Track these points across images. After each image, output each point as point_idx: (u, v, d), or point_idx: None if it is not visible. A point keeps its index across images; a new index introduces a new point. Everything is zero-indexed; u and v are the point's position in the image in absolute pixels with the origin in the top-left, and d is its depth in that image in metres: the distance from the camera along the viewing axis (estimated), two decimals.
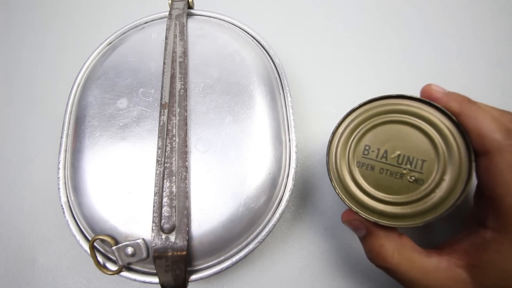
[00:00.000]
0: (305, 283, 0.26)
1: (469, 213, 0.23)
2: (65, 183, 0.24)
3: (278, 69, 0.28)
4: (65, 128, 0.25)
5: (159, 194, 0.21)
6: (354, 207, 0.20)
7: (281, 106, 0.26)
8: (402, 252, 0.19)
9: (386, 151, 0.20)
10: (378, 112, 0.21)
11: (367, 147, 0.21)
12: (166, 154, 0.22)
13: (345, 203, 0.20)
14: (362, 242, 0.22)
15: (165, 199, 0.21)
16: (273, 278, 0.26)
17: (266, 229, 0.23)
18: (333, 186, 0.21)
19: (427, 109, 0.20)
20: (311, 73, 0.34)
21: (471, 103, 0.19)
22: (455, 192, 0.18)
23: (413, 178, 0.19)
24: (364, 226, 0.21)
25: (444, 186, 0.18)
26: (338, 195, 0.21)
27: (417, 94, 0.22)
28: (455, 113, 0.19)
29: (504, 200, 0.17)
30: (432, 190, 0.19)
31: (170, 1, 0.29)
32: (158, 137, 0.22)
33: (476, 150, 0.18)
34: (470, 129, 0.18)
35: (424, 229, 0.27)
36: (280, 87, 0.27)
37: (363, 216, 0.20)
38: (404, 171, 0.19)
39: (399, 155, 0.20)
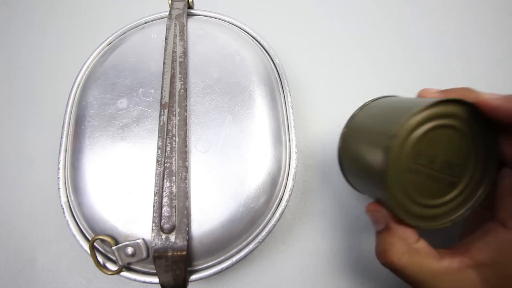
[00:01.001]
0: (305, 283, 0.26)
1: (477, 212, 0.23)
2: (65, 183, 0.24)
3: (278, 69, 0.28)
4: (65, 128, 0.25)
5: (159, 194, 0.21)
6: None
7: (281, 106, 0.26)
8: (413, 256, 0.19)
9: (433, 157, 0.19)
10: (428, 117, 0.19)
11: (420, 153, 0.19)
12: (166, 154, 0.22)
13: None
14: (376, 236, 0.21)
15: (165, 199, 0.21)
16: (273, 278, 0.26)
17: (266, 229, 0.23)
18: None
19: (457, 108, 0.19)
20: (311, 73, 0.34)
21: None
22: (480, 192, 0.20)
23: (449, 181, 0.19)
24: (385, 221, 0.20)
25: (473, 187, 0.20)
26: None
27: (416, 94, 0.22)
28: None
29: None
30: (462, 191, 0.20)
31: (170, 1, 0.29)
32: (158, 137, 0.22)
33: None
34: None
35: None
36: (280, 87, 0.27)
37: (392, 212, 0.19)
38: (443, 176, 0.19)
39: (442, 160, 0.19)
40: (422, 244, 0.20)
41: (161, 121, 0.23)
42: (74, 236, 0.22)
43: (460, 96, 0.19)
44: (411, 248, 0.19)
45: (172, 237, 0.20)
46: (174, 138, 0.22)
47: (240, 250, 0.22)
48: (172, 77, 0.24)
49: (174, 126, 0.23)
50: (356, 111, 0.24)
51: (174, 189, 0.21)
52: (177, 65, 0.25)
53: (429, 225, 0.20)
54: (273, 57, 0.28)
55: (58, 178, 0.24)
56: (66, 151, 0.24)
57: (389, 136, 0.18)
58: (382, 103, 0.22)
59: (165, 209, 0.20)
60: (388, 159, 0.18)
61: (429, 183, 0.19)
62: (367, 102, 0.24)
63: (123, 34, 0.28)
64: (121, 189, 0.22)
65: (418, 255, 0.19)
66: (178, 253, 0.20)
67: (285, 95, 0.27)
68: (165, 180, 0.21)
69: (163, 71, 0.25)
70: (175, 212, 0.20)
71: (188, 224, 0.20)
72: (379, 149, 0.19)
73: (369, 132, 0.21)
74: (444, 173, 0.19)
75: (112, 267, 0.22)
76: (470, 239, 0.20)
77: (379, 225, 0.21)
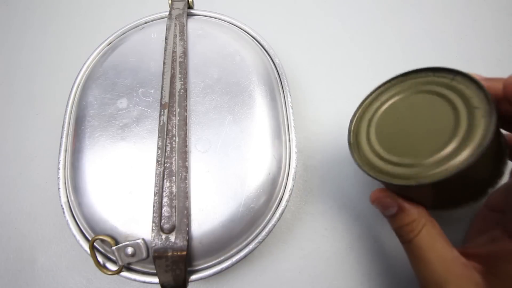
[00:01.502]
0: (305, 283, 0.26)
1: (483, 217, 0.23)
2: (65, 183, 0.24)
3: (278, 69, 0.28)
4: (65, 128, 0.25)
5: (159, 194, 0.21)
6: (372, 174, 0.20)
7: (281, 106, 0.26)
8: (430, 230, 0.19)
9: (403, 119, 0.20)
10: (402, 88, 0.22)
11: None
12: (166, 154, 0.22)
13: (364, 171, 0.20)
14: (391, 220, 0.21)
15: (165, 199, 0.21)
16: (273, 278, 0.26)
17: (266, 229, 0.23)
18: (353, 157, 0.21)
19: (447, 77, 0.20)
20: (311, 73, 0.34)
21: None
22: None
23: (436, 130, 0.19)
24: (396, 204, 0.20)
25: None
26: (359, 167, 0.20)
27: None
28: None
29: None
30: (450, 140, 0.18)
31: (170, 1, 0.29)
32: (158, 137, 0.22)
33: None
34: None
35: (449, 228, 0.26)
36: (280, 87, 0.27)
37: (382, 180, 0.19)
38: (428, 128, 0.19)
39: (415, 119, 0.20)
40: (436, 222, 0.20)
41: (161, 121, 0.23)
42: (74, 236, 0.22)
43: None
44: (429, 221, 0.19)
45: (172, 237, 0.20)
46: (174, 138, 0.22)
47: (240, 250, 0.22)
48: (172, 77, 0.24)
49: (174, 126, 0.23)
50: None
51: (174, 189, 0.21)
52: (177, 65, 0.25)
53: (383, 177, 0.19)
54: (273, 57, 0.28)
55: (58, 178, 0.24)
56: (66, 151, 0.24)
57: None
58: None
59: (165, 209, 0.20)
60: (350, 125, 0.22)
61: (395, 140, 0.20)
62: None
63: (123, 34, 0.28)
64: (121, 189, 0.22)
65: (434, 229, 0.19)
66: (178, 253, 0.20)
67: (285, 95, 0.27)
68: (165, 180, 0.21)
69: (163, 71, 0.25)
70: (175, 212, 0.20)
71: (188, 224, 0.20)
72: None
73: None
74: (417, 128, 0.19)
75: (112, 267, 0.22)
76: (477, 245, 0.20)
77: (390, 209, 0.20)
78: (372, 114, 0.22)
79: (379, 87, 0.23)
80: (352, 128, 0.22)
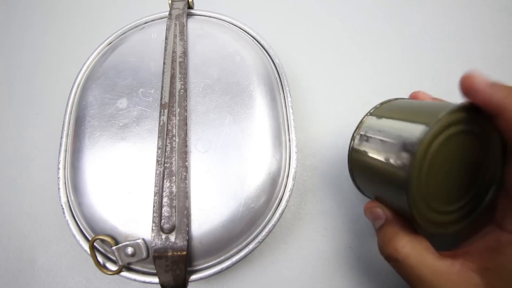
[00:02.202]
0: (305, 283, 0.26)
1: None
2: (65, 183, 0.24)
3: (278, 69, 0.28)
4: (65, 128, 0.25)
5: (159, 194, 0.21)
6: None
7: (281, 106, 0.26)
8: (415, 246, 0.19)
9: (450, 163, 0.19)
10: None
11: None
12: (166, 154, 0.22)
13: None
14: (377, 232, 0.21)
15: (165, 199, 0.21)
16: (273, 278, 0.26)
17: (266, 229, 0.23)
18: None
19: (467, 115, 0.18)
20: (311, 73, 0.34)
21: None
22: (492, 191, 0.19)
23: (463, 185, 0.19)
24: (384, 215, 0.20)
25: (484, 187, 0.19)
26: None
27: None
28: (497, 107, 0.17)
29: None
30: (476, 194, 0.19)
31: (170, 1, 0.29)
32: (158, 137, 0.22)
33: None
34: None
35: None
36: (280, 87, 0.27)
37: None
38: (458, 180, 0.19)
39: (458, 165, 0.19)
40: (422, 237, 0.19)
41: (161, 121, 0.23)
42: (74, 236, 0.22)
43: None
44: (413, 236, 0.19)
45: (172, 237, 0.20)
46: (174, 138, 0.22)
47: (240, 250, 0.22)
48: (172, 77, 0.24)
49: (174, 126, 0.23)
50: (367, 114, 0.23)
51: (174, 189, 0.21)
52: (177, 65, 0.25)
53: (445, 231, 0.19)
54: (273, 57, 0.28)
55: (58, 178, 0.24)
56: (66, 151, 0.24)
57: (411, 142, 0.17)
58: (396, 105, 0.22)
59: (165, 209, 0.20)
60: (411, 166, 0.17)
61: (445, 189, 0.19)
62: (377, 105, 0.23)
63: (123, 34, 0.28)
64: (121, 189, 0.22)
65: (420, 245, 0.19)
66: (178, 253, 0.20)
67: (285, 95, 0.27)
68: (165, 180, 0.21)
69: (163, 71, 0.25)
70: (175, 212, 0.20)
71: (188, 224, 0.20)
72: (401, 157, 0.18)
73: (388, 138, 0.20)
74: (462, 175, 0.19)
75: (112, 267, 0.22)
76: (469, 242, 0.20)
77: (379, 221, 0.21)
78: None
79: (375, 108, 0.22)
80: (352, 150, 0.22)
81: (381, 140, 0.20)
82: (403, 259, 0.18)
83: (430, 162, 0.17)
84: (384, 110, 0.22)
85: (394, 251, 0.19)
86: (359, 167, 0.22)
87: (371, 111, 0.23)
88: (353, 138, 0.22)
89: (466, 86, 0.18)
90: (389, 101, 0.23)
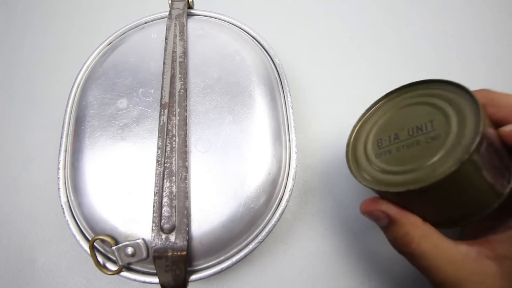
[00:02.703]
0: (305, 283, 0.26)
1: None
2: (65, 183, 0.24)
3: (278, 69, 0.28)
4: (65, 128, 0.25)
5: (159, 194, 0.21)
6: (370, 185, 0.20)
7: (281, 106, 0.26)
8: (429, 239, 0.18)
9: (396, 134, 0.21)
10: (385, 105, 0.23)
11: (379, 140, 0.22)
12: (166, 154, 0.22)
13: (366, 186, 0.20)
14: (384, 231, 0.21)
15: (165, 199, 0.21)
16: (273, 278, 0.26)
17: (266, 229, 0.23)
18: (353, 174, 0.22)
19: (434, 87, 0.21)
20: (311, 73, 0.34)
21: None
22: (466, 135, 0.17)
23: (429, 138, 0.19)
24: (386, 215, 0.20)
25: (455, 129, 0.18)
26: (356, 179, 0.21)
27: None
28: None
29: None
30: (446, 136, 0.18)
31: (170, 1, 0.29)
32: (158, 137, 0.22)
33: None
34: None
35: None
36: (280, 87, 0.27)
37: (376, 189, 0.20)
38: (419, 138, 0.19)
39: (408, 129, 0.20)
40: (430, 226, 0.19)
41: (161, 121, 0.23)
42: (74, 236, 0.22)
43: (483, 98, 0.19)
44: (423, 230, 0.19)
45: (172, 237, 0.20)
46: (174, 138, 0.22)
47: (240, 250, 0.22)
48: (172, 77, 0.24)
49: (174, 126, 0.23)
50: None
51: (174, 189, 0.21)
52: (177, 65, 0.25)
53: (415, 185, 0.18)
54: (273, 57, 0.28)
55: (58, 178, 0.24)
56: (66, 151, 0.24)
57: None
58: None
59: (165, 209, 0.20)
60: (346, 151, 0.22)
61: (408, 151, 0.19)
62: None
63: (123, 34, 0.28)
64: (121, 189, 0.22)
65: (433, 236, 0.19)
66: (178, 253, 0.20)
67: (285, 95, 0.27)
68: (165, 180, 0.21)
69: (163, 71, 0.25)
70: (175, 212, 0.20)
71: (188, 224, 0.20)
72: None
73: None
74: (414, 136, 0.20)
75: (112, 267, 0.22)
76: (490, 232, 0.19)
77: (382, 221, 0.20)
78: (370, 128, 0.23)
79: (377, 102, 0.24)
80: (350, 141, 0.23)
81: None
82: (417, 253, 0.18)
83: (372, 133, 0.22)
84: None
85: (407, 247, 0.19)
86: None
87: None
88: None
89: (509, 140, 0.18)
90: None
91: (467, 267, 0.18)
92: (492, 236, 0.19)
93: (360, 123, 0.24)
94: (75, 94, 0.26)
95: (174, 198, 0.21)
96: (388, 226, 0.20)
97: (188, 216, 0.20)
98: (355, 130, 0.23)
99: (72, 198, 0.23)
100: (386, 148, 0.21)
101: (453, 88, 0.20)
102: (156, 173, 0.21)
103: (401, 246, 0.19)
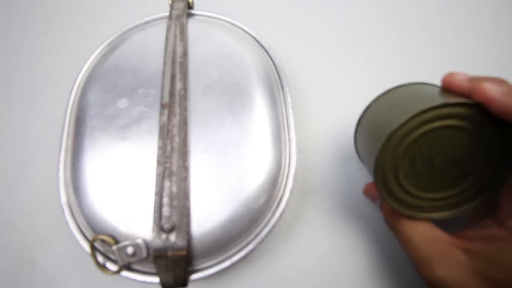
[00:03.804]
0: (305, 283, 0.26)
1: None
2: (65, 183, 0.24)
3: (278, 69, 0.28)
4: (65, 128, 0.25)
5: (159, 194, 0.21)
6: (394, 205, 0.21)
7: (281, 106, 0.26)
8: (409, 220, 0.21)
9: (431, 158, 0.20)
10: (421, 122, 0.19)
11: (412, 159, 0.20)
12: (166, 154, 0.22)
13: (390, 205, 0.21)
14: (380, 209, 0.24)
15: (165, 199, 0.21)
16: (273, 278, 0.26)
17: (266, 229, 0.23)
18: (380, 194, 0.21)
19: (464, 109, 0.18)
20: (311, 73, 0.34)
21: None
22: (493, 182, 0.20)
23: (458, 174, 0.20)
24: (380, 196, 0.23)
25: (486, 180, 0.20)
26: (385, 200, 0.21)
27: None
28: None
29: None
30: (476, 181, 0.20)
31: (170, 2, 0.29)
32: (158, 137, 0.22)
33: None
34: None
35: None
36: (280, 87, 0.27)
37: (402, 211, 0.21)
38: (448, 171, 0.20)
39: (445, 158, 0.20)
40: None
41: (161, 121, 0.23)
42: (74, 236, 0.22)
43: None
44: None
45: (172, 237, 0.20)
46: (174, 138, 0.22)
47: (240, 250, 0.22)
48: (172, 77, 0.24)
49: (174, 126, 0.23)
50: (383, 92, 0.24)
51: (174, 189, 0.21)
52: (177, 65, 0.25)
53: (439, 215, 0.21)
54: (273, 57, 0.28)
55: (58, 178, 0.24)
56: (66, 151, 0.24)
57: (381, 137, 0.19)
58: (403, 91, 0.23)
59: (165, 209, 0.20)
60: (376, 161, 0.19)
61: (431, 181, 0.20)
62: (391, 88, 0.24)
63: (123, 34, 0.28)
64: (121, 189, 0.22)
65: (413, 220, 0.21)
66: (178, 253, 0.20)
67: (285, 95, 0.27)
68: (165, 180, 0.21)
69: (163, 71, 0.25)
70: (175, 212, 0.20)
71: (188, 224, 0.20)
72: (374, 148, 0.20)
73: (377, 124, 0.22)
74: (449, 168, 0.20)
75: (112, 267, 0.22)
76: (467, 229, 0.21)
77: (377, 200, 0.24)
78: (402, 139, 0.19)
79: (418, 114, 0.19)
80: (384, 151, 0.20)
81: (374, 125, 0.22)
82: (399, 226, 0.21)
83: (405, 148, 0.19)
84: (392, 94, 0.23)
85: (392, 220, 0.22)
86: (360, 138, 0.24)
87: (385, 91, 0.24)
88: (368, 107, 0.24)
89: (481, 98, 0.18)
90: (406, 84, 0.24)
91: (438, 248, 0.19)
92: (468, 232, 0.20)
93: (401, 131, 0.19)
94: (75, 94, 0.26)
95: (174, 198, 0.21)
96: (381, 204, 0.23)
97: (188, 216, 0.21)
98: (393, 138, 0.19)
99: (72, 198, 0.23)
100: (418, 171, 0.20)
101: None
102: (156, 173, 0.21)
103: (389, 220, 0.22)
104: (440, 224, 0.21)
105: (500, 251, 0.18)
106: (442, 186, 0.20)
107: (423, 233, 0.20)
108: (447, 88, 0.20)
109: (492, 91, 0.17)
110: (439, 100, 0.18)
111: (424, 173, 0.20)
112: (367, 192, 0.26)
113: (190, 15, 0.29)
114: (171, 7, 0.28)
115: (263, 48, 0.29)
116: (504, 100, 0.17)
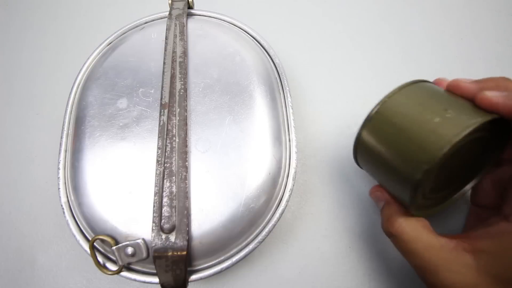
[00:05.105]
0: (305, 283, 0.26)
1: (472, 211, 0.25)
2: (65, 183, 0.24)
3: (278, 69, 0.28)
4: (65, 128, 0.25)
5: (159, 194, 0.21)
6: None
7: (281, 106, 0.26)
8: (410, 224, 0.20)
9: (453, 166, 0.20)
10: None
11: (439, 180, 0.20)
12: (166, 154, 0.22)
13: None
14: (380, 213, 0.23)
15: (165, 199, 0.21)
16: (273, 278, 0.26)
17: (266, 229, 0.23)
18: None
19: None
20: (311, 73, 0.34)
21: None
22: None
23: (467, 174, 0.23)
24: (384, 198, 0.23)
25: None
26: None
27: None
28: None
29: None
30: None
31: (170, 1, 0.29)
32: (158, 137, 0.22)
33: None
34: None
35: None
36: (280, 87, 0.27)
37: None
38: (460, 174, 0.22)
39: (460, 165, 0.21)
40: (421, 219, 0.21)
41: (161, 121, 0.23)
42: (74, 236, 0.22)
43: (497, 86, 0.19)
44: (407, 216, 0.21)
45: (172, 237, 0.20)
46: (174, 138, 0.22)
47: (240, 250, 0.22)
48: (172, 77, 0.24)
49: (174, 126, 0.23)
50: (385, 97, 0.21)
51: (174, 189, 0.21)
52: (177, 65, 0.25)
53: (427, 212, 0.22)
54: (273, 57, 0.28)
55: (58, 178, 0.24)
56: (66, 151, 0.24)
57: (420, 163, 0.18)
58: (415, 97, 0.20)
59: (165, 209, 0.20)
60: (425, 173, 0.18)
61: (443, 183, 0.21)
62: (396, 89, 0.21)
63: (123, 34, 0.28)
64: (121, 189, 0.22)
65: (417, 223, 0.20)
66: (178, 253, 0.20)
67: (285, 95, 0.27)
68: (165, 180, 0.21)
69: (163, 71, 0.25)
70: (175, 212, 0.20)
71: (188, 224, 0.20)
72: (411, 166, 0.19)
73: (410, 130, 0.19)
74: (461, 171, 0.21)
75: (112, 267, 0.22)
76: (470, 229, 0.21)
77: (380, 203, 0.23)
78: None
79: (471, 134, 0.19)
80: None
81: (396, 137, 0.20)
82: (398, 235, 0.20)
83: (439, 168, 0.18)
84: (404, 97, 0.21)
85: (391, 228, 0.21)
86: (365, 151, 0.22)
87: (390, 95, 0.21)
88: (368, 117, 0.21)
89: (485, 104, 0.18)
90: (410, 84, 0.21)
91: (443, 255, 0.19)
92: (472, 232, 0.20)
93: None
94: (75, 94, 0.26)
95: (174, 198, 0.21)
96: (383, 207, 0.23)
97: (188, 216, 0.20)
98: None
99: (72, 198, 0.23)
100: (437, 195, 0.22)
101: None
102: (156, 173, 0.21)
103: (387, 226, 0.21)
104: (441, 224, 0.22)
105: (510, 245, 0.18)
106: (448, 185, 0.22)
107: (425, 241, 0.19)
108: (453, 91, 0.21)
109: (494, 97, 0.18)
110: (475, 112, 0.18)
111: (440, 197, 0.22)
112: (372, 194, 0.25)
113: (190, 15, 0.29)
114: (171, 7, 0.28)
115: (263, 48, 0.28)
116: (508, 104, 0.18)
